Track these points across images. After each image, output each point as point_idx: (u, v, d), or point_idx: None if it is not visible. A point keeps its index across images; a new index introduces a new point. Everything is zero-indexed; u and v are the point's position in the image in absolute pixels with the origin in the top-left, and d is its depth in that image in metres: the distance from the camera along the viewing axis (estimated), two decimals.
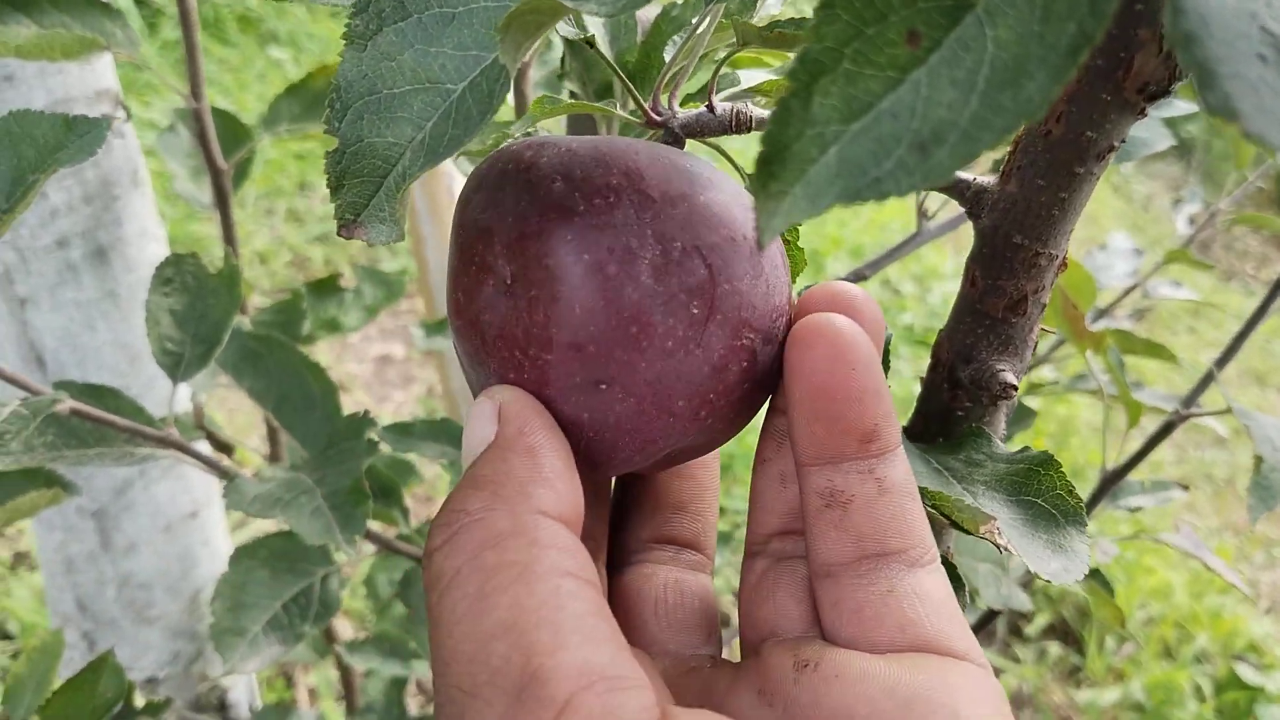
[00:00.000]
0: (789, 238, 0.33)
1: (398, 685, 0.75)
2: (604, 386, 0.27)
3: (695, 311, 0.26)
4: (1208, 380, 0.68)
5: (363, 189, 0.26)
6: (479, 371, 0.29)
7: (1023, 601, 0.64)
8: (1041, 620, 2.20)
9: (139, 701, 0.71)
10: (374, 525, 0.55)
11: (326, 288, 0.85)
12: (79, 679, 0.45)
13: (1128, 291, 0.94)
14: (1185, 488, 0.74)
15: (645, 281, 0.26)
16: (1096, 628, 1.83)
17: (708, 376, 0.27)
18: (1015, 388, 0.30)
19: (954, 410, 0.33)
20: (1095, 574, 0.68)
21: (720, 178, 0.28)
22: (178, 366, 0.44)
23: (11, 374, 0.42)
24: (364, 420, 0.47)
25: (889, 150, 0.16)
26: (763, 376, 0.29)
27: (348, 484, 0.41)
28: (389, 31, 0.26)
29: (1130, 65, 0.24)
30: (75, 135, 0.32)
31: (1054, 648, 2.15)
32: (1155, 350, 0.76)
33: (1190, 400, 0.68)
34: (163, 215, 0.80)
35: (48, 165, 0.32)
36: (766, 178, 0.17)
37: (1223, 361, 0.67)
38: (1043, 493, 0.30)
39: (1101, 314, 0.93)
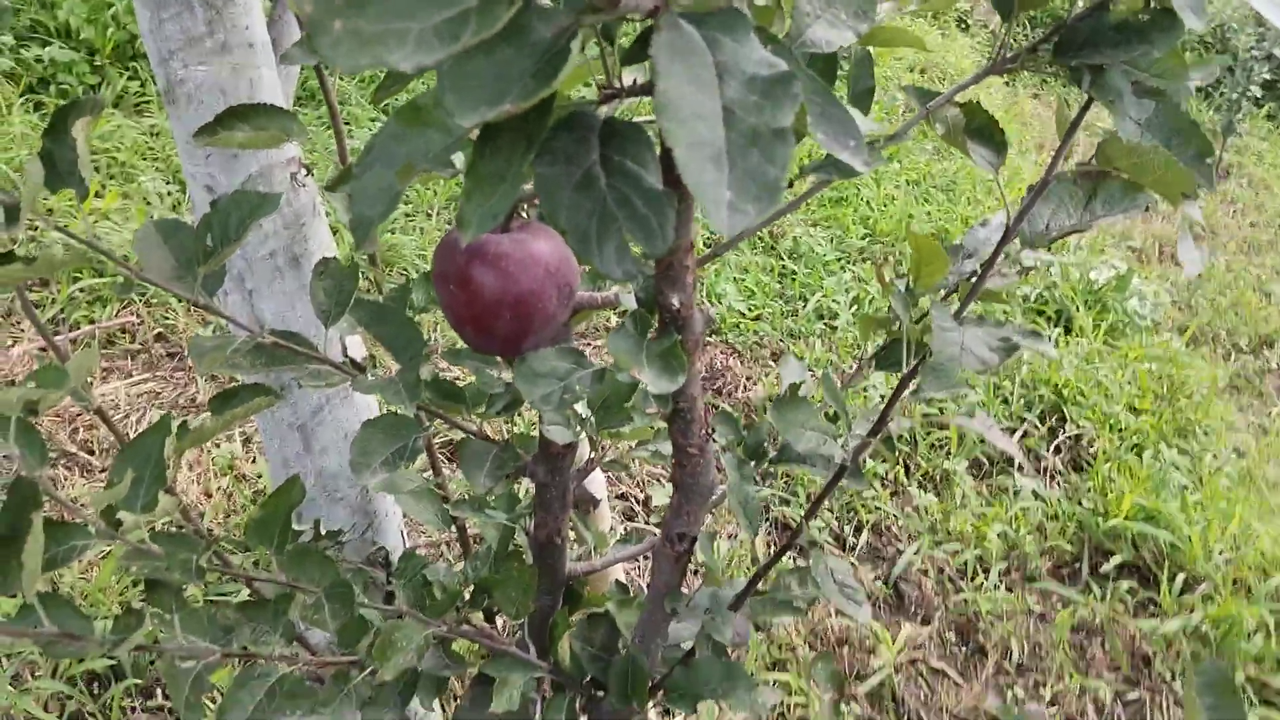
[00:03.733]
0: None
1: (508, 532, 1.10)
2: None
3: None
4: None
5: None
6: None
7: None
8: (1119, 559, 2.36)
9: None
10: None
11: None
12: (279, 490, 0.83)
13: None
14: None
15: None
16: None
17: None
18: (673, 311, 0.61)
19: None
20: None
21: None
22: (327, 317, 0.81)
23: (244, 324, 0.80)
24: (426, 348, 0.82)
25: None
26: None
27: (413, 379, 0.76)
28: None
29: None
30: (266, 201, 0.69)
31: (1128, 583, 2.30)
32: None
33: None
34: (335, 232, 1.20)
35: (253, 217, 0.69)
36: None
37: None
38: None
39: None
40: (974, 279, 0.89)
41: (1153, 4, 0.66)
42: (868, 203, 3.71)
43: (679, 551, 0.79)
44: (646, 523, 2.27)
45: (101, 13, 3.16)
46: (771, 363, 2.86)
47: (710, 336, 2.93)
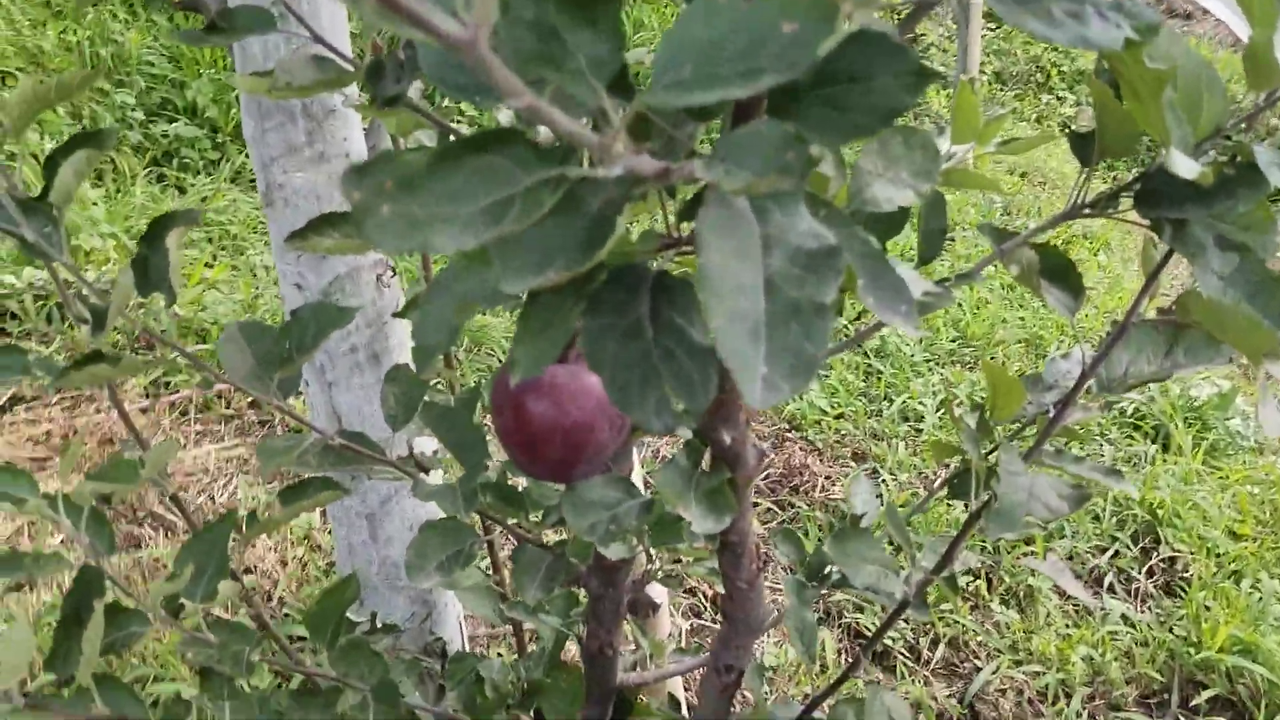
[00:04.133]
0: None
1: (560, 637, 1.10)
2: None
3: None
4: None
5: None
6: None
7: None
8: (1211, 692, 2.23)
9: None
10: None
11: None
12: (335, 586, 0.84)
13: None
14: None
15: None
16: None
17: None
18: (724, 447, 0.61)
19: None
20: None
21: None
22: (395, 422, 0.83)
23: (318, 419, 0.82)
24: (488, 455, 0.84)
25: None
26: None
27: (471, 488, 0.77)
28: None
29: None
30: (342, 316, 0.72)
31: (1221, 719, 2.17)
32: None
33: None
34: None
35: (329, 329, 0.71)
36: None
37: None
38: None
39: None
40: (1051, 414, 0.87)
41: (1238, 159, 0.65)
42: (959, 304, 3.66)
43: (726, 683, 0.78)
44: (714, 620, 2.23)
45: (226, 93, 3.35)
46: (853, 463, 2.82)
47: (790, 432, 2.90)
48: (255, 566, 2.08)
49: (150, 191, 3.03)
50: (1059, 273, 0.76)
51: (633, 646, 1.18)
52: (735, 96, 0.33)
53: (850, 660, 0.92)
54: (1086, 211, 0.72)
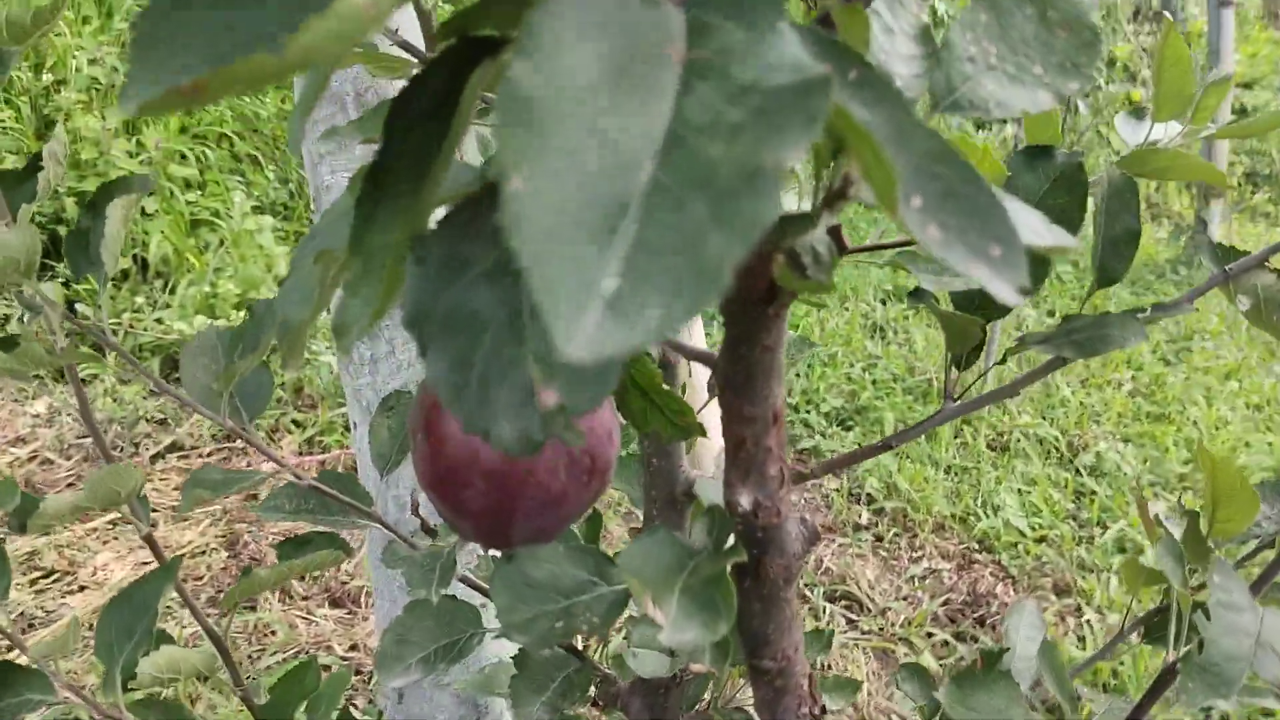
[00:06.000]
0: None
1: None
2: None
3: None
4: None
5: None
6: None
7: None
8: None
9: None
10: None
11: None
12: (293, 672, 0.66)
13: None
14: None
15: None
16: None
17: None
18: (743, 514, 0.38)
19: None
20: None
21: None
22: (384, 463, 0.65)
23: (290, 467, 0.65)
24: None
25: None
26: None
27: (451, 560, 0.59)
28: None
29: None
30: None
31: None
32: None
33: None
34: None
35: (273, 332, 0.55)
36: None
37: None
38: None
39: None
40: None
41: None
42: (1194, 422, 3.18)
43: None
44: None
45: None
46: (1053, 596, 2.42)
47: (980, 553, 2.54)
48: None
49: None
50: None
51: None
52: None
53: None
54: None
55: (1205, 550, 0.62)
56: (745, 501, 0.39)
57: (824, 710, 0.45)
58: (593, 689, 0.69)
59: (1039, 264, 0.54)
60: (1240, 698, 0.54)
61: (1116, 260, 0.53)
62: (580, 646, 0.69)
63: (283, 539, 0.77)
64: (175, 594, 0.70)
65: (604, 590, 0.41)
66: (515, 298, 0.25)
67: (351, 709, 0.86)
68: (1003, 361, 0.56)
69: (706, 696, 0.73)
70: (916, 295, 0.54)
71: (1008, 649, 0.65)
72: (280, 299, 0.37)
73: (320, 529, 0.70)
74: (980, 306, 0.55)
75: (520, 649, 0.67)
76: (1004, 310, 0.57)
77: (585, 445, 0.41)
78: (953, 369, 0.58)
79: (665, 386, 0.45)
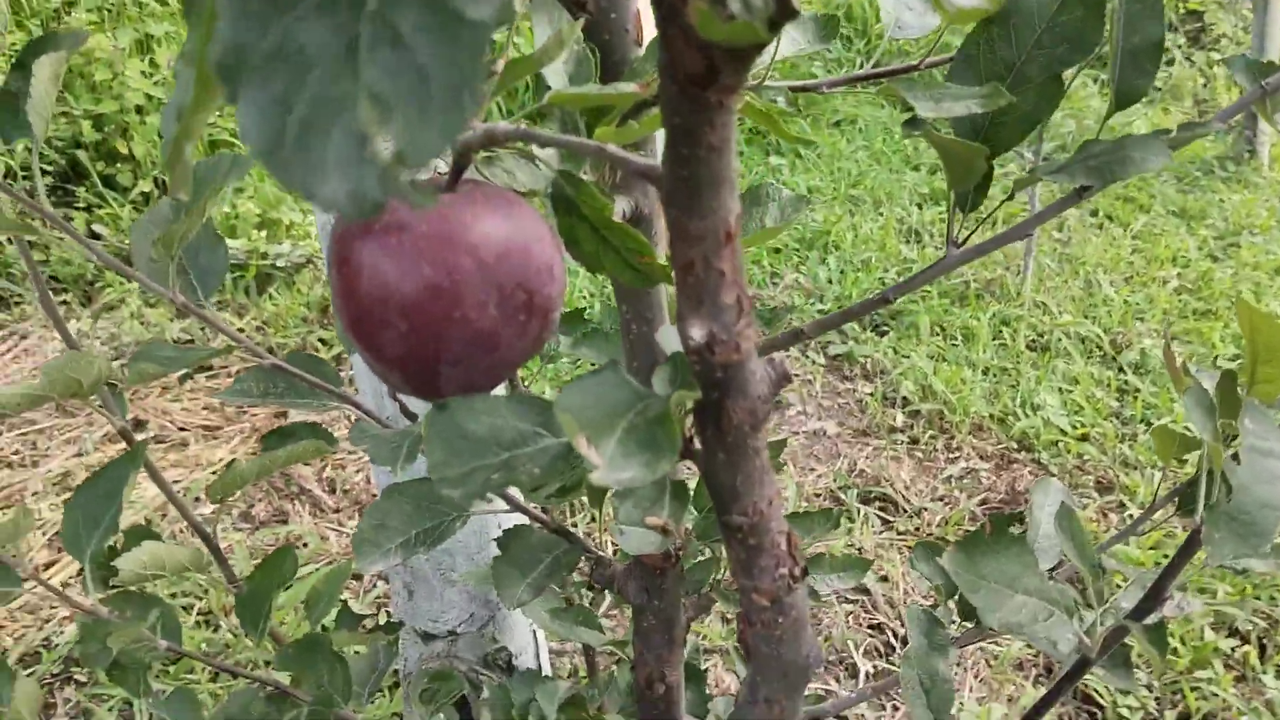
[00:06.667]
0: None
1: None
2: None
3: None
4: None
5: None
6: None
7: None
8: None
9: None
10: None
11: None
12: (271, 558, 0.64)
13: None
14: None
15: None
16: None
17: None
18: (697, 349, 0.34)
19: None
20: None
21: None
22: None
23: (249, 344, 0.62)
24: None
25: None
26: None
27: (418, 435, 0.55)
28: None
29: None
30: (236, 165, 0.51)
31: None
32: None
33: None
34: None
35: (235, 177, 0.51)
36: None
37: None
38: None
39: None
40: None
41: None
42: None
43: None
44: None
45: None
46: (1095, 494, 2.37)
47: (1019, 452, 2.49)
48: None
49: None
50: None
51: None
52: None
53: None
54: None
55: (1239, 408, 0.56)
56: (697, 334, 0.34)
57: (805, 572, 0.41)
58: (588, 571, 0.66)
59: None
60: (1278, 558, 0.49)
61: (1137, 74, 0.47)
62: (571, 527, 0.66)
63: None
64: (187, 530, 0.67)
65: (549, 442, 0.37)
66: (354, 25, 0.20)
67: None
68: (1011, 197, 0.51)
69: (708, 581, 0.70)
70: (912, 124, 0.49)
71: (1020, 512, 0.61)
72: (162, 120, 0.33)
73: (307, 420, 0.67)
74: (984, 135, 0.50)
75: (505, 530, 0.64)
76: (1010, 142, 0.51)
77: (518, 278, 0.36)
78: (956, 210, 0.52)
79: (618, 221, 0.40)
